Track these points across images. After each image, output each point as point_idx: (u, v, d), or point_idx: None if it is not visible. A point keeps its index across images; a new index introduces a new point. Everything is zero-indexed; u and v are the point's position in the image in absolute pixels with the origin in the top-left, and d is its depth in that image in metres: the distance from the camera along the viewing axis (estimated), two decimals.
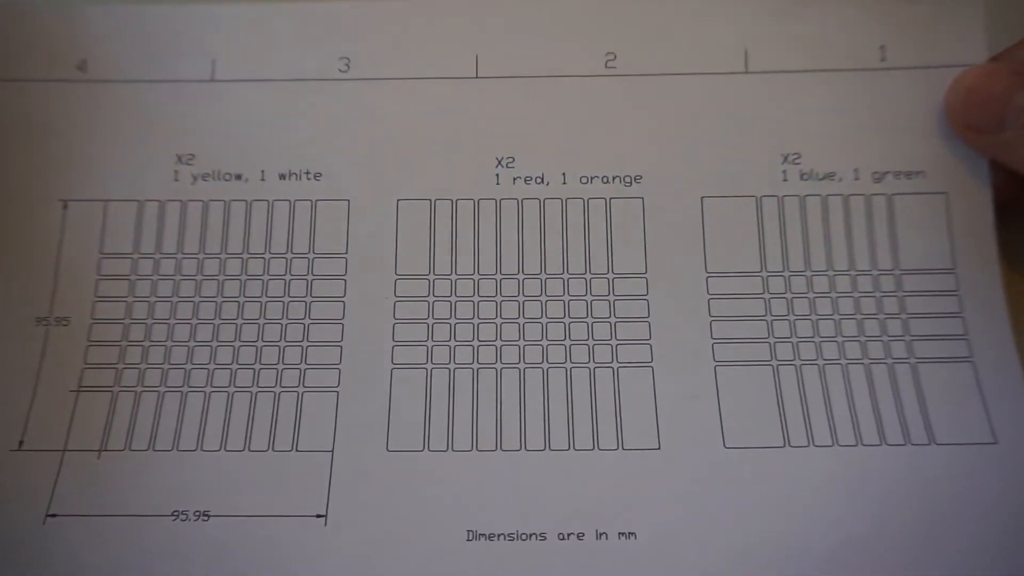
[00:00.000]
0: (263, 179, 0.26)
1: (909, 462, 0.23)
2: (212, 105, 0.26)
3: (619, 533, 0.22)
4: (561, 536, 0.22)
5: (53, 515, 0.22)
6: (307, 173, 0.26)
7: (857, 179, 0.26)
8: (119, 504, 0.23)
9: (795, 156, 0.26)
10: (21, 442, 0.23)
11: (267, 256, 0.25)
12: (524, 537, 0.22)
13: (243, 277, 0.25)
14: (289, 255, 0.25)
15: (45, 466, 0.23)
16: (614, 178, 0.26)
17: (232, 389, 0.24)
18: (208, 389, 0.24)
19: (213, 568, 0.22)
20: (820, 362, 0.24)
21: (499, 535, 0.22)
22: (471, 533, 0.22)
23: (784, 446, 0.23)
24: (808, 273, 0.25)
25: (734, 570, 0.22)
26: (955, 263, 0.25)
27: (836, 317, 0.25)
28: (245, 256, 0.25)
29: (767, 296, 0.25)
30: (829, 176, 0.26)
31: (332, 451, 0.23)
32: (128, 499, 0.23)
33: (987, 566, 0.22)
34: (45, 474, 0.23)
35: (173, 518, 0.22)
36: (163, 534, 0.22)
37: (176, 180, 0.26)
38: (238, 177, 0.26)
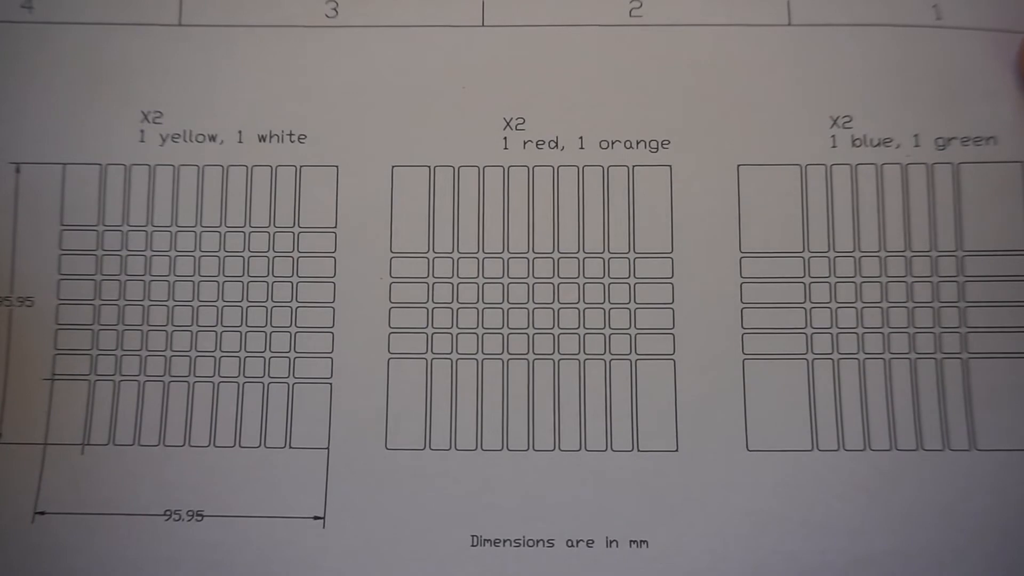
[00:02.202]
0: (240, 141, 0.24)
1: (945, 470, 0.23)
2: (180, 54, 0.24)
3: (630, 541, 0.23)
4: (569, 543, 0.23)
5: (42, 512, 0.23)
6: (290, 135, 0.24)
7: (917, 146, 0.24)
8: (108, 502, 0.23)
9: (845, 119, 0.24)
10: None
11: (247, 230, 0.24)
12: (531, 543, 0.23)
13: (221, 254, 0.24)
14: (272, 229, 0.24)
15: (27, 461, 0.23)
16: (638, 143, 0.24)
17: (217, 379, 0.24)
18: (191, 379, 0.24)
19: (207, 570, 0.22)
20: (860, 356, 0.24)
21: (504, 541, 0.23)
22: (475, 538, 0.23)
23: (812, 449, 0.23)
24: (857, 254, 0.24)
25: None
26: None
27: (884, 305, 0.24)
28: (223, 230, 0.24)
29: (807, 280, 0.24)
30: (885, 142, 0.24)
31: (328, 448, 0.23)
32: (118, 497, 0.23)
33: None
34: (28, 469, 0.23)
35: (166, 518, 0.23)
36: (155, 534, 0.23)
37: (142, 141, 0.24)
38: (212, 139, 0.24)
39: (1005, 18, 0.24)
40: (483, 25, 0.25)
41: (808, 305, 0.24)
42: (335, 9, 0.25)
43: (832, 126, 0.24)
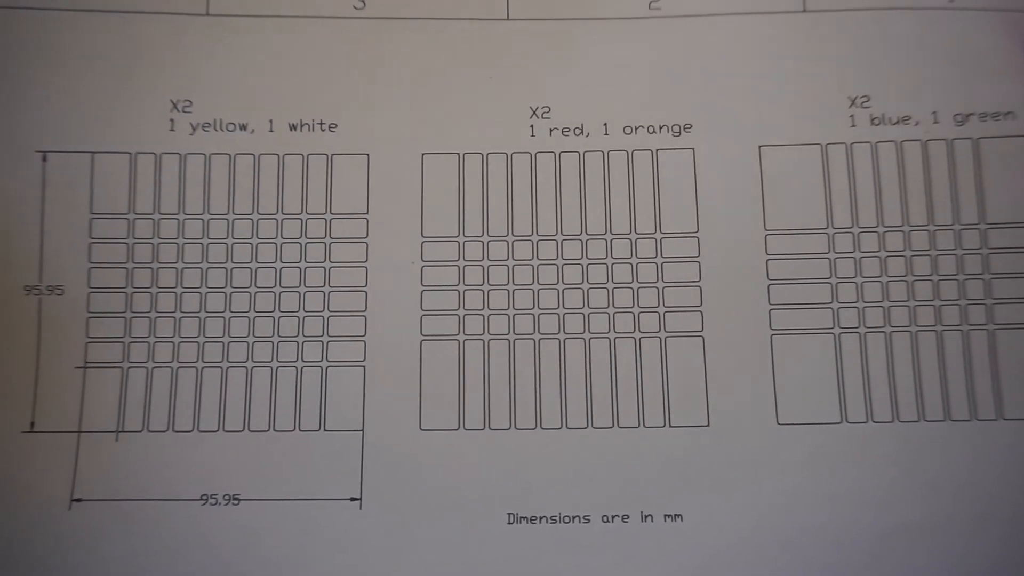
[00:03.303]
0: (271, 130, 0.25)
1: (973, 439, 0.23)
2: (208, 43, 0.25)
3: (664, 515, 0.23)
4: (605, 519, 0.23)
5: (78, 500, 0.23)
6: (320, 124, 0.25)
7: (936, 123, 0.25)
8: (144, 488, 0.23)
9: (863, 99, 0.25)
10: (32, 423, 0.24)
11: (279, 217, 0.25)
12: (567, 520, 0.23)
13: (254, 241, 0.25)
14: (304, 216, 0.25)
15: (62, 449, 0.23)
16: (661, 127, 0.25)
17: (251, 364, 0.24)
18: (224, 364, 0.24)
19: (244, 554, 0.23)
20: (887, 329, 0.24)
21: (541, 518, 0.23)
22: (512, 516, 0.23)
23: (841, 422, 0.24)
24: (880, 229, 0.25)
25: (780, 555, 0.23)
26: None
27: (910, 279, 0.24)
28: (255, 217, 0.25)
29: (832, 256, 0.25)
30: (904, 120, 0.25)
31: (362, 431, 0.24)
32: (153, 483, 0.23)
33: None
34: (63, 457, 0.23)
35: (202, 502, 0.23)
36: (192, 519, 0.23)
37: (172, 130, 0.25)
38: (243, 128, 0.25)
39: None
40: (508, 18, 0.25)
41: (834, 280, 0.24)
42: (363, 1, 0.25)
43: (851, 106, 0.25)
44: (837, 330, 0.24)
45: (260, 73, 0.25)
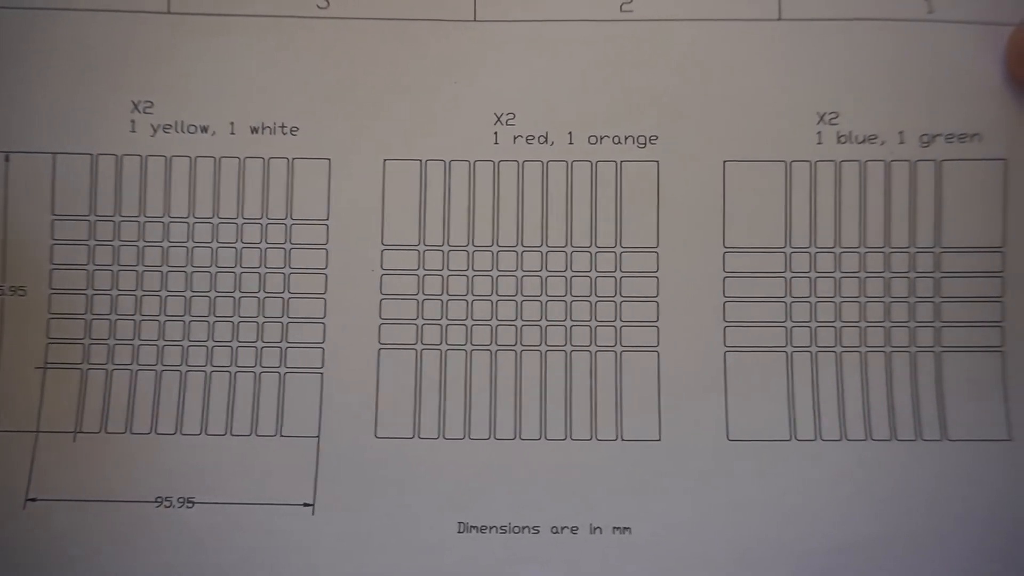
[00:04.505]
0: (233, 132, 0.25)
1: (919, 459, 0.24)
2: (170, 43, 0.25)
3: (613, 528, 0.24)
4: (554, 529, 0.24)
5: (33, 499, 0.24)
6: (282, 127, 0.25)
7: (902, 143, 0.25)
8: (100, 489, 0.24)
9: (832, 115, 0.25)
10: None
11: (240, 222, 0.25)
12: (517, 530, 0.24)
13: (214, 245, 0.25)
14: (264, 220, 0.25)
15: (19, 448, 0.24)
16: (627, 138, 0.25)
17: (209, 368, 0.25)
18: (183, 368, 0.25)
19: (198, 557, 0.23)
20: (838, 349, 0.25)
21: (491, 527, 0.24)
22: (462, 525, 0.24)
23: (790, 439, 0.24)
24: (837, 250, 0.25)
25: (730, 570, 0.24)
26: (1005, 240, 0.25)
27: (862, 300, 0.25)
28: (215, 221, 0.25)
29: (788, 275, 0.25)
30: (870, 139, 0.25)
31: (318, 437, 0.24)
32: (109, 484, 0.24)
33: (994, 572, 0.24)
34: (20, 456, 0.24)
35: (157, 504, 0.24)
36: (147, 520, 0.24)
37: (133, 131, 0.25)
38: (204, 130, 0.25)
39: (997, 10, 0.25)
40: (475, 20, 0.25)
41: (789, 299, 0.25)
42: (327, 0, 0.25)
43: (819, 123, 0.25)
44: (789, 348, 0.25)
45: (222, 74, 0.25)
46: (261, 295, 0.25)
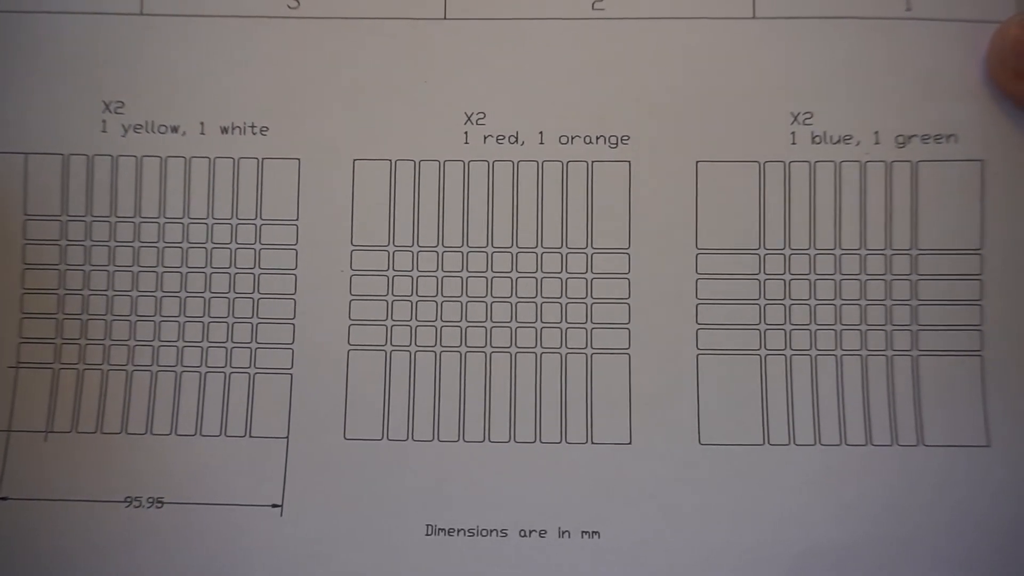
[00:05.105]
0: (203, 132, 0.25)
1: (894, 465, 0.24)
2: (141, 44, 0.25)
3: (582, 532, 0.24)
4: (522, 533, 0.24)
5: (4, 498, 0.24)
6: (252, 127, 0.25)
7: (877, 143, 0.25)
8: (70, 489, 0.24)
9: (807, 115, 0.25)
10: None
11: (210, 222, 0.25)
12: (484, 533, 0.24)
13: (184, 245, 0.25)
14: (234, 221, 0.25)
15: None
16: (598, 138, 0.25)
17: (180, 368, 0.25)
18: (154, 368, 0.25)
19: (167, 556, 0.24)
20: (813, 352, 0.24)
21: (458, 531, 0.24)
22: (430, 527, 0.24)
23: (763, 444, 0.24)
24: (812, 252, 0.25)
25: (699, 574, 0.24)
26: (983, 243, 0.24)
27: (838, 302, 0.25)
28: (186, 221, 0.25)
29: (762, 277, 0.25)
30: (845, 139, 0.25)
31: (287, 438, 0.24)
32: (80, 484, 0.24)
33: None
34: None
35: (126, 504, 0.24)
36: (116, 520, 0.24)
37: (104, 131, 0.25)
38: (174, 130, 0.25)
39: (976, 7, 0.25)
40: (445, 18, 0.25)
41: (762, 301, 0.25)
42: (297, 0, 0.25)
43: (793, 122, 0.25)
44: (763, 351, 0.24)
45: (193, 74, 0.25)
46: (231, 295, 0.25)
